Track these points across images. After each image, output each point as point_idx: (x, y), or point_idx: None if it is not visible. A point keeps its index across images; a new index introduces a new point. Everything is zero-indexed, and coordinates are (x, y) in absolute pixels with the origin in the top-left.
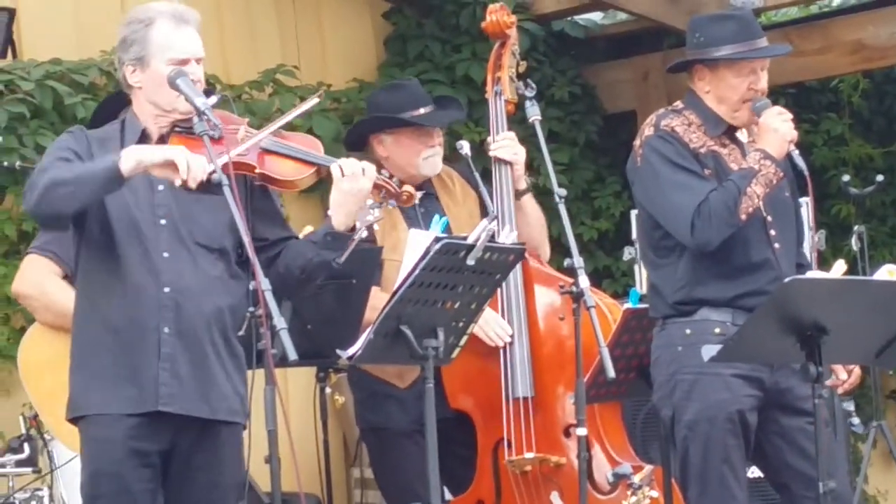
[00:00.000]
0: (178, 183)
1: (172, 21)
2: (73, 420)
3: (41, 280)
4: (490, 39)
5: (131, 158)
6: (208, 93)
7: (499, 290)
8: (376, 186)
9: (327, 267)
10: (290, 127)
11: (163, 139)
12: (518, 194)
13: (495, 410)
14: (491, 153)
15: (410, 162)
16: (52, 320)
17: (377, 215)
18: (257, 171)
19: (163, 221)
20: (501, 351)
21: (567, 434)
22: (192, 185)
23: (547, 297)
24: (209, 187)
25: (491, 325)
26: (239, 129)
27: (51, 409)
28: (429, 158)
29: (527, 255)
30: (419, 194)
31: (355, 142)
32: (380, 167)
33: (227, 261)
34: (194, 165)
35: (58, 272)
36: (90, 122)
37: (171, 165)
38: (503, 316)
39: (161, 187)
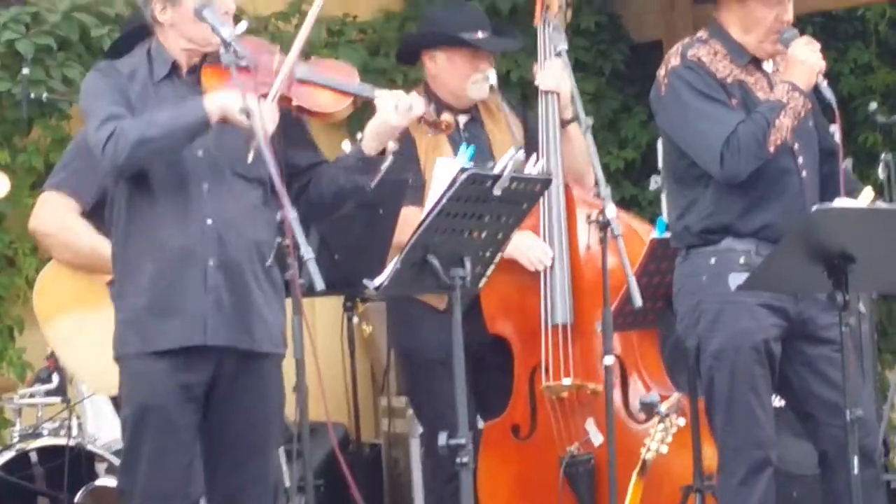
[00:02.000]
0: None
1: None
2: (118, 358)
3: (60, 217)
4: None
5: (216, 108)
6: (236, 21)
7: (541, 216)
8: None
9: (359, 192)
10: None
11: (193, 70)
12: (563, 123)
13: (534, 336)
14: (536, 83)
15: (460, 84)
16: (71, 258)
17: (388, 161)
18: (294, 103)
19: (199, 153)
20: (542, 277)
21: None
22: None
23: (588, 225)
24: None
25: (533, 250)
26: (274, 58)
27: (70, 351)
28: (478, 83)
29: (570, 182)
30: (463, 118)
31: (408, 57)
32: (427, 87)
33: (264, 189)
34: (267, 117)
35: (76, 209)
36: (109, 52)
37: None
38: (545, 242)
39: None
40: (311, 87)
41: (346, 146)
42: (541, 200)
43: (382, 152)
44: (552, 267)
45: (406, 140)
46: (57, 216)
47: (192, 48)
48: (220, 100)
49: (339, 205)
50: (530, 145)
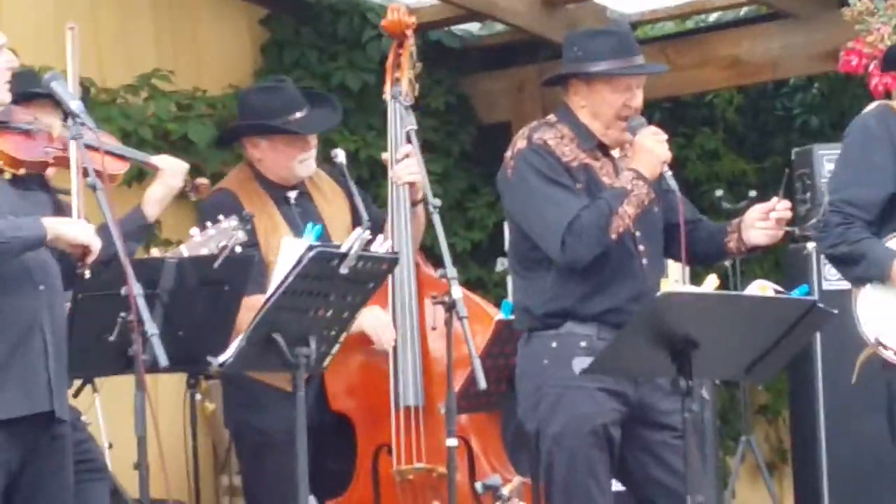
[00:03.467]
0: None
1: None
2: None
3: None
4: (389, 38)
5: (53, 234)
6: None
7: (390, 295)
8: None
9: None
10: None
11: None
12: (414, 203)
13: (379, 415)
14: (395, 181)
15: (286, 166)
16: None
17: (241, 237)
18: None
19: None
20: (391, 357)
21: None
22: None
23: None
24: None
25: (385, 330)
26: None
27: None
28: (304, 161)
29: (420, 261)
30: (293, 194)
31: (228, 141)
32: (252, 167)
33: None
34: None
35: None
36: None
37: (84, 246)
38: (396, 321)
39: None
40: (92, 151)
41: (195, 232)
42: (390, 280)
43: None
44: (404, 347)
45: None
46: None
47: None
48: (58, 228)
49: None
50: (355, 213)
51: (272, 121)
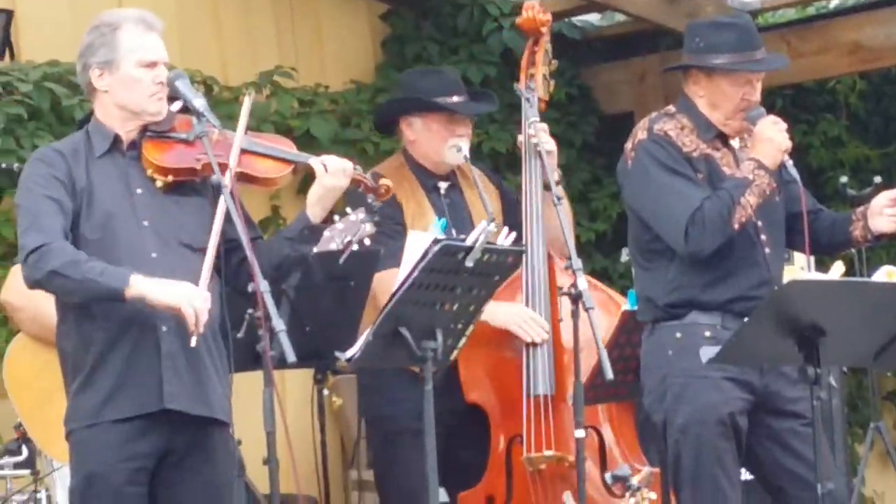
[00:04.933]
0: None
1: (140, 25)
2: (69, 433)
3: (29, 291)
4: (524, 36)
5: (137, 291)
6: (172, 99)
7: (523, 286)
8: (353, 182)
9: (304, 261)
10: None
11: (133, 144)
12: (548, 186)
13: (513, 406)
14: (530, 140)
15: (436, 148)
16: (38, 332)
17: (368, 230)
18: (237, 170)
19: (146, 223)
20: (524, 347)
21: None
22: (201, 330)
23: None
24: (194, 187)
25: (531, 323)
26: (213, 131)
27: (37, 423)
28: (455, 147)
29: (552, 254)
30: (443, 185)
31: (384, 123)
32: (407, 150)
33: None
34: (201, 311)
35: None
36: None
37: (176, 310)
38: None
39: (140, 190)
40: (252, 156)
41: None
42: (523, 270)
43: (327, 220)
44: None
45: (393, 205)
46: (25, 290)
47: (125, 116)
48: (147, 289)
49: (282, 276)
50: (506, 216)
51: (432, 98)
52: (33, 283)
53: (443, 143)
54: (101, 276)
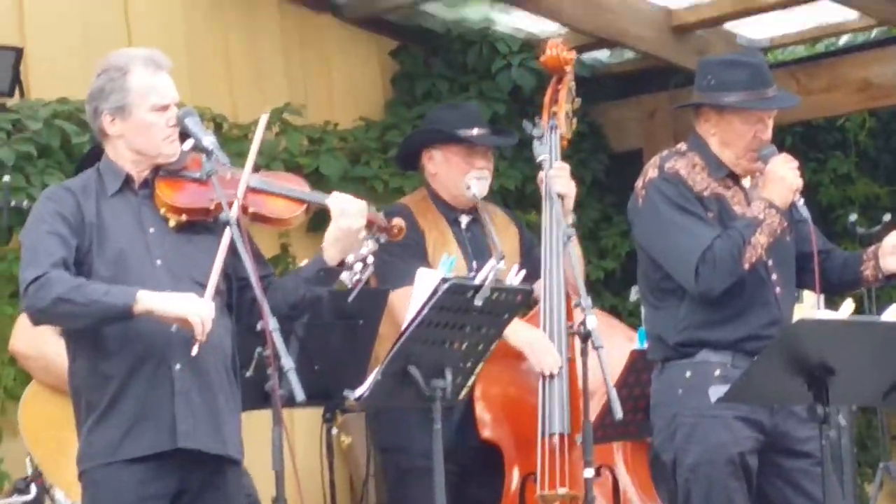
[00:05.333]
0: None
1: (150, 66)
2: (83, 472)
3: (39, 340)
4: (548, 73)
5: (145, 306)
6: (183, 137)
7: (541, 323)
8: (366, 221)
9: (318, 302)
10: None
11: (146, 183)
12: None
13: (527, 443)
14: (548, 181)
15: (455, 181)
16: (52, 382)
17: (371, 246)
18: (250, 210)
19: (159, 262)
20: (540, 385)
21: (598, 473)
22: (204, 339)
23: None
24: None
25: (546, 354)
26: (226, 170)
27: (54, 468)
28: (475, 180)
29: (570, 291)
30: (465, 219)
31: (407, 159)
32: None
33: (221, 298)
34: (207, 320)
35: (57, 329)
36: (75, 170)
37: (185, 322)
38: None
39: (152, 230)
40: (265, 195)
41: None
42: (541, 309)
43: (342, 263)
44: (551, 375)
45: (416, 233)
46: (36, 339)
47: (138, 159)
48: (153, 302)
49: (295, 316)
50: (524, 259)
51: (452, 130)
52: (37, 314)
53: (462, 175)
54: (107, 295)
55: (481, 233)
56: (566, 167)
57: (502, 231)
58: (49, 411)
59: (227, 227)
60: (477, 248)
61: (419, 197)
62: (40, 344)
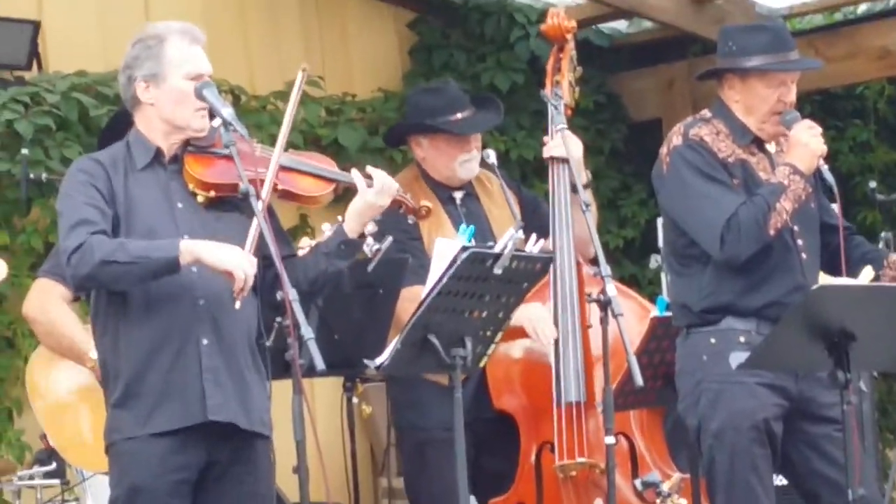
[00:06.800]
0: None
1: (186, 38)
2: (110, 445)
3: (47, 305)
4: (549, 43)
5: (190, 255)
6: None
7: (551, 292)
8: (395, 202)
9: (341, 276)
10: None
11: (175, 158)
12: (575, 189)
13: (542, 413)
14: (545, 154)
15: (447, 165)
16: (53, 345)
17: (387, 242)
18: (279, 187)
19: (186, 237)
20: (554, 354)
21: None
22: (246, 294)
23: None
24: (235, 203)
25: (542, 324)
26: (252, 146)
27: (55, 431)
28: (465, 163)
29: (581, 260)
30: (459, 195)
31: (395, 140)
32: (419, 166)
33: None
34: (250, 276)
35: (66, 296)
36: (98, 142)
37: (228, 273)
38: (557, 319)
39: (180, 205)
40: (295, 173)
41: (327, 228)
42: (551, 276)
43: (361, 235)
44: (566, 343)
45: (409, 220)
46: (44, 303)
47: (169, 130)
48: (199, 251)
49: (316, 292)
50: (529, 220)
51: (433, 120)
52: (84, 280)
53: (452, 160)
54: (150, 250)
55: (478, 206)
56: (563, 132)
57: (500, 202)
58: (47, 374)
59: (259, 202)
60: (474, 223)
61: (410, 176)
62: (46, 308)
